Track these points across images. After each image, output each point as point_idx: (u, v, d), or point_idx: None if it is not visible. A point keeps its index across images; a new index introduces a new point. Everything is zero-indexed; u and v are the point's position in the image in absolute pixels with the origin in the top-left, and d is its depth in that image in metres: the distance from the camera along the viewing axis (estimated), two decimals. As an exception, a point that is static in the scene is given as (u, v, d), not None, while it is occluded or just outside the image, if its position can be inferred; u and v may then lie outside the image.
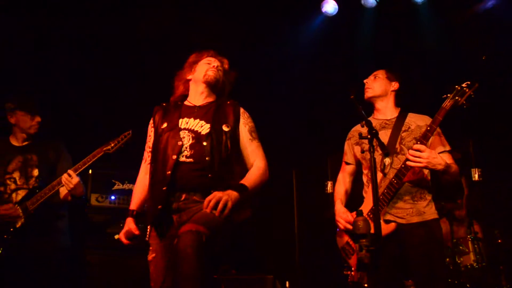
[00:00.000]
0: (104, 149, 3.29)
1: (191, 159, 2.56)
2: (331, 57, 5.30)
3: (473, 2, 5.12)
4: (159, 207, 2.53)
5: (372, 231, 2.42)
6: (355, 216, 2.87)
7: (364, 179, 3.11)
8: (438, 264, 2.90)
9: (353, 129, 3.26)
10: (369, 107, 3.21)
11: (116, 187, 4.44)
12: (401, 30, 5.23)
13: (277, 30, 5.11)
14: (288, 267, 4.94)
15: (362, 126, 2.62)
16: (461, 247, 4.27)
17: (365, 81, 3.19)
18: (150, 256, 2.59)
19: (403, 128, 3.01)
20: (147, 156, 2.80)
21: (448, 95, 2.74)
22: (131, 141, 3.26)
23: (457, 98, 2.72)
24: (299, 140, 5.31)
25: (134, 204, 2.77)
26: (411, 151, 2.70)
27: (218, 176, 2.54)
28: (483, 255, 4.16)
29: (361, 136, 2.59)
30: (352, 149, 3.20)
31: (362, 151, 3.02)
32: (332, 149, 5.22)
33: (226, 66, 2.88)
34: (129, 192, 4.43)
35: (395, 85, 3.16)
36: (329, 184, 4.88)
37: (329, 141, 5.15)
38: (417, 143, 2.74)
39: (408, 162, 2.73)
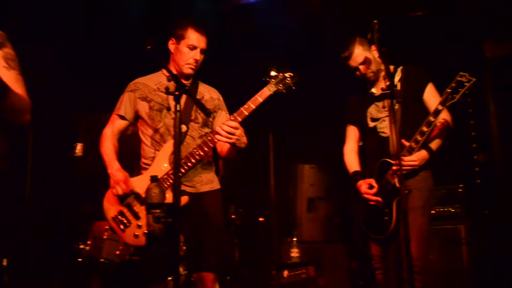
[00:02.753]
0: None
1: None
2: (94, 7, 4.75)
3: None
4: None
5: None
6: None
7: (147, 141, 2.80)
8: (222, 233, 2.89)
9: (138, 81, 2.88)
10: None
11: None
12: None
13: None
14: (15, 241, 4.17)
15: (169, 81, 2.32)
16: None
17: (195, 57, 2.82)
18: None
19: (197, 96, 2.85)
20: None
21: (271, 80, 2.68)
22: None
23: (280, 86, 2.69)
24: (43, 94, 4.54)
25: None
26: (225, 127, 2.54)
27: None
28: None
29: (167, 91, 2.29)
30: (134, 104, 2.82)
31: (169, 108, 2.73)
32: (86, 108, 4.73)
33: None
34: None
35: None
36: (79, 146, 4.30)
37: (83, 99, 4.61)
38: (231, 119, 2.62)
39: (217, 136, 2.57)
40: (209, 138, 2.67)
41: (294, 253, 4.37)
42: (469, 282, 4.02)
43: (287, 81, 2.70)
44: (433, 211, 4.24)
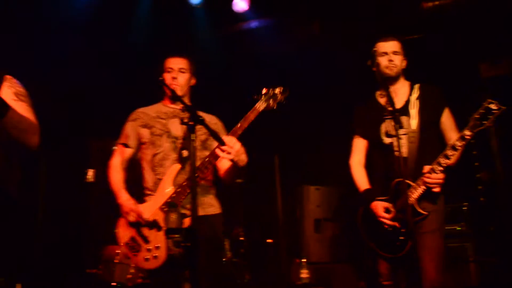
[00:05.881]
0: None
1: None
2: (100, 35, 4.90)
3: (239, 19, 5.62)
4: None
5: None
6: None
7: (148, 166, 2.88)
8: (220, 256, 3.02)
9: (139, 110, 3.01)
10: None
11: None
12: (175, 26, 5.28)
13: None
14: (25, 266, 4.22)
15: (183, 111, 2.47)
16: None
17: (172, 76, 2.93)
18: None
19: None
20: None
21: (262, 97, 2.77)
22: None
23: (270, 101, 2.77)
24: (53, 119, 4.68)
25: None
26: (226, 140, 2.59)
27: None
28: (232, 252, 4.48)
29: (182, 121, 2.39)
30: (136, 131, 2.94)
31: (159, 135, 2.83)
32: (95, 134, 4.84)
33: None
34: None
35: (194, 79, 3.06)
36: (90, 172, 4.38)
37: (93, 125, 4.72)
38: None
39: (217, 151, 2.61)
40: (207, 159, 2.71)
41: (304, 274, 4.39)
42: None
43: (277, 97, 2.78)
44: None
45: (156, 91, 3.00)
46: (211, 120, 3.01)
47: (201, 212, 2.72)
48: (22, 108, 2.22)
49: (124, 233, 2.82)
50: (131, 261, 3.33)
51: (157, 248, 2.69)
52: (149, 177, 2.89)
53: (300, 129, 5.37)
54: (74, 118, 4.87)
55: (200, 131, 2.85)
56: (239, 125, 2.72)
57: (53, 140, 4.55)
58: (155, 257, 2.69)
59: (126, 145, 2.96)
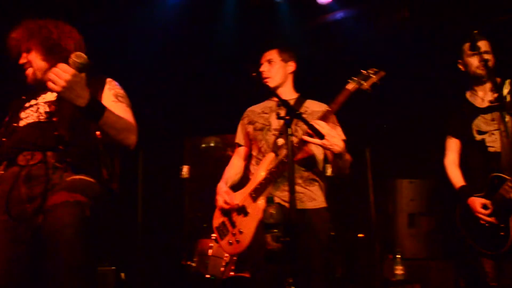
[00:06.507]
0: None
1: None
2: (190, 36, 5.08)
3: (325, 11, 5.56)
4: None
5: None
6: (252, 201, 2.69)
7: (254, 161, 2.92)
8: (327, 252, 2.88)
9: (248, 109, 3.08)
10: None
11: None
12: (261, 22, 5.34)
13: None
14: (129, 257, 4.51)
15: (279, 106, 2.48)
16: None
17: (261, 69, 2.97)
18: None
19: (300, 110, 2.84)
20: None
21: (353, 78, 2.67)
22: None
23: (362, 82, 2.65)
24: (150, 118, 4.95)
25: None
26: (315, 124, 2.48)
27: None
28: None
29: (279, 116, 2.39)
30: (244, 129, 3.02)
31: (261, 129, 2.87)
32: (190, 131, 5.03)
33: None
34: None
35: (291, 66, 3.01)
36: (185, 168, 4.58)
37: (186, 123, 4.91)
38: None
39: (304, 136, 2.54)
40: (296, 144, 2.58)
41: (399, 270, 4.25)
42: None
43: (370, 76, 2.66)
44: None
45: (250, 89, 3.05)
46: (320, 107, 2.91)
47: (303, 205, 2.70)
48: (120, 109, 2.35)
49: (217, 219, 2.89)
50: (222, 253, 3.38)
51: (241, 233, 2.71)
52: (252, 169, 2.92)
53: (392, 121, 5.22)
54: (171, 118, 5.09)
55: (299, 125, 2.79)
56: (329, 109, 2.65)
57: (151, 138, 4.82)
58: (238, 241, 2.70)
59: (238, 144, 3.08)
